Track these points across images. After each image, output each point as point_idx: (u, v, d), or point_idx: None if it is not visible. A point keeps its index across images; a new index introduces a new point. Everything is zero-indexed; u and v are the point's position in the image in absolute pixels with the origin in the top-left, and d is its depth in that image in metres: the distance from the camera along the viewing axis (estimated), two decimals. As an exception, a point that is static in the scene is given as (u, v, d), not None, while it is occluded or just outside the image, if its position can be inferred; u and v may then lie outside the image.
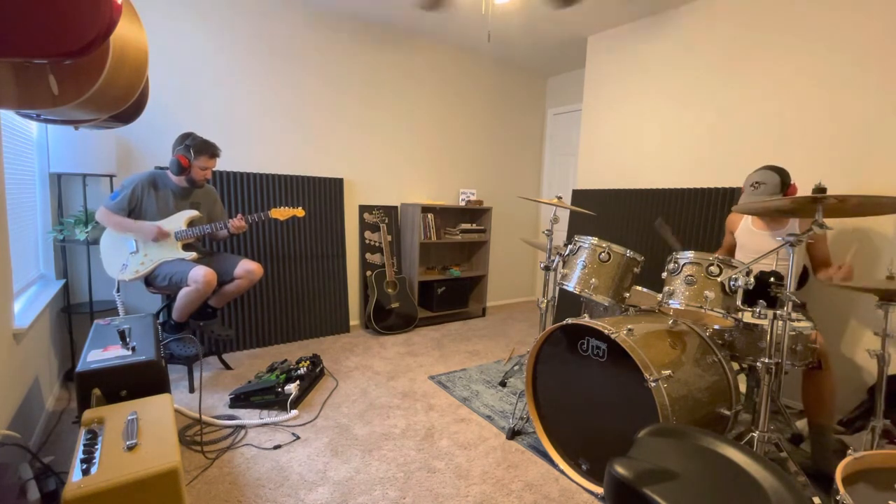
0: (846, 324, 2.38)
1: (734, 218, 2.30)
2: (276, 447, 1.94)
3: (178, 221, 2.43)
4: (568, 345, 1.81)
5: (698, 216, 2.90)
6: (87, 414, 1.33)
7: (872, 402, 2.16)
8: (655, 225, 2.31)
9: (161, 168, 2.87)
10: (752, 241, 2.16)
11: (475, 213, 4.37)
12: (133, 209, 2.37)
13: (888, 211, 1.51)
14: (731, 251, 2.34)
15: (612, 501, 1.04)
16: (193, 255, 2.43)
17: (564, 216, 4.33)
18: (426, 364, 3.00)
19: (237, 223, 2.44)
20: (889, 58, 2.22)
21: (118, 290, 2.70)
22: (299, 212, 2.62)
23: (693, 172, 3.05)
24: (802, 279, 2.22)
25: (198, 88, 2.99)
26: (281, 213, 2.56)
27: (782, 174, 1.96)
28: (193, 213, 2.48)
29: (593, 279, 2.00)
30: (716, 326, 1.90)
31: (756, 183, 1.99)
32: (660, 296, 1.90)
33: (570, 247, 2.13)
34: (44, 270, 2.53)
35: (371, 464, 1.85)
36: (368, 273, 3.68)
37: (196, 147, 2.36)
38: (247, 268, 2.50)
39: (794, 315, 1.52)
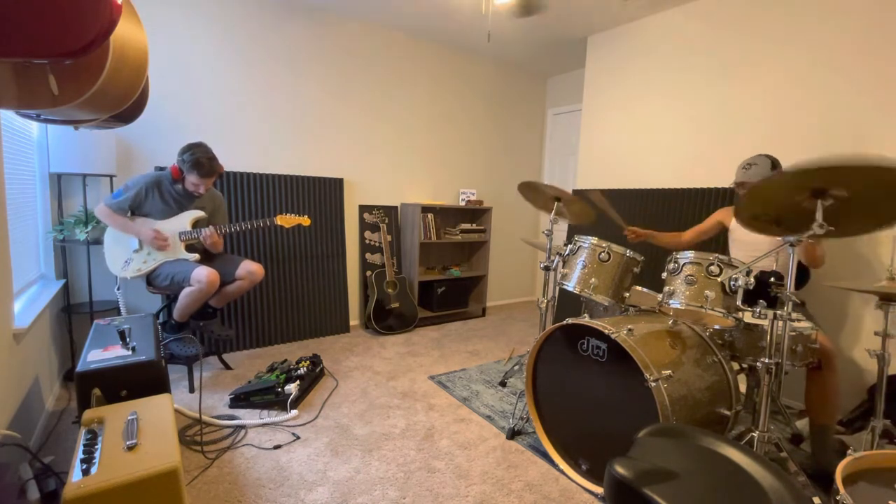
0: (846, 324, 2.37)
1: (729, 213, 2.31)
2: (276, 447, 1.94)
3: (183, 221, 2.43)
4: (568, 345, 1.81)
5: (698, 215, 2.90)
6: (87, 414, 1.33)
7: (872, 402, 2.16)
8: (593, 199, 2.30)
9: (161, 168, 2.87)
10: (750, 234, 2.16)
11: (475, 213, 4.36)
12: (135, 209, 2.37)
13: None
14: (701, 235, 2.40)
15: (612, 501, 1.04)
16: (196, 255, 2.43)
17: (564, 216, 4.33)
18: (426, 364, 3.00)
19: (211, 238, 2.40)
20: (876, 59, 2.23)
21: (119, 288, 2.70)
22: (305, 220, 2.60)
23: (692, 172, 3.05)
24: (802, 277, 2.22)
25: (198, 88, 2.99)
26: (286, 220, 2.55)
27: (773, 161, 2.05)
28: (199, 213, 2.47)
29: (593, 279, 2.00)
30: (716, 326, 1.90)
31: (748, 164, 2.09)
32: (660, 296, 1.90)
33: (569, 247, 2.13)
34: (44, 270, 2.53)
35: (371, 464, 1.85)
36: (368, 273, 3.68)
37: (189, 164, 2.32)
38: (248, 269, 2.50)
39: (793, 315, 1.52)
